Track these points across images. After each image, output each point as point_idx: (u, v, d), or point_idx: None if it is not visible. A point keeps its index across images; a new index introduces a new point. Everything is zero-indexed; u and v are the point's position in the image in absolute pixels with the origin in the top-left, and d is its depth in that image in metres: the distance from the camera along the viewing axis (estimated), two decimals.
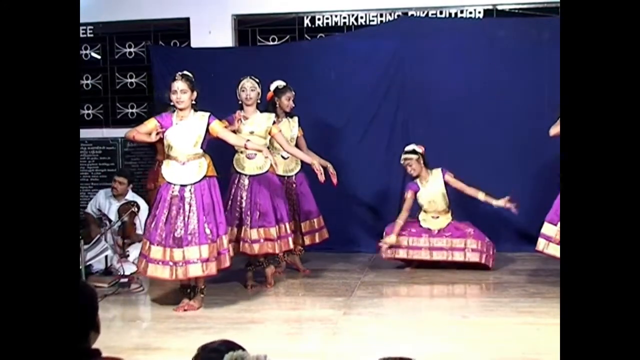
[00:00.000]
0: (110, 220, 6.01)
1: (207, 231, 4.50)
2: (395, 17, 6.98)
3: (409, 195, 5.78)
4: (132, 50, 7.59)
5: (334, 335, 4.11)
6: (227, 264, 4.63)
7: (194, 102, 4.57)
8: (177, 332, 4.19)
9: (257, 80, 5.21)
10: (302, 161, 5.52)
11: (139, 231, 5.88)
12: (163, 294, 5.05)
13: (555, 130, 4.75)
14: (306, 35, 7.27)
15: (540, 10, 6.79)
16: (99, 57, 7.65)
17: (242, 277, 5.32)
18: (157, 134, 4.52)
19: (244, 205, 5.13)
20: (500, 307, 4.63)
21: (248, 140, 4.76)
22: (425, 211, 5.86)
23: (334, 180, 5.43)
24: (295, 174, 5.68)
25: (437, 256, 5.73)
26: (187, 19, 7.30)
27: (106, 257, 5.68)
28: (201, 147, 4.60)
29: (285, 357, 3.60)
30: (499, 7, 6.93)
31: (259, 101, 5.24)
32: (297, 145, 5.58)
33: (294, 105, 5.60)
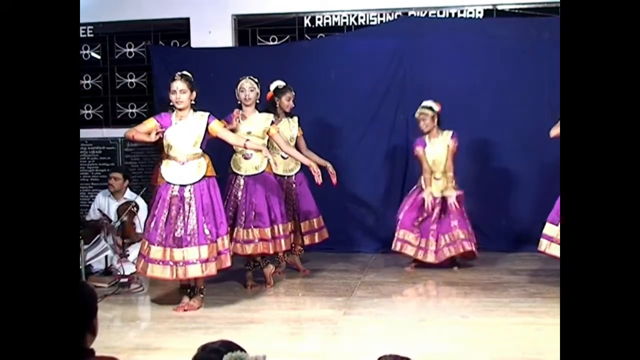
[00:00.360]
0: (110, 220, 6.01)
1: (206, 231, 4.50)
2: (395, 17, 6.97)
3: (420, 152, 5.75)
4: (132, 50, 7.58)
5: (334, 335, 4.11)
6: (228, 264, 4.63)
7: (193, 102, 4.58)
8: (177, 332, 4.19)
9: (256, 80, 5.21)
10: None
11: (139, 230, 5.88)
12: (163, 294, 5.05)
13: (555, 131, 4.75)
14: (306, 35, 7.26)
15: (540, 10, 6.78)
16: (99, 57, 7.65)
17: (242, 277, 5.32)
18: (157, 133, 4.52)
19: (239, 205, 5.14)
20: (500, 307, 4.63)
21: (247, 140, 4.77)
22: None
23: (334, 180, 5.44)
24: (295, 174, 5.68)
25: (442, 256, 5.70)
26: (187, 19, 7.30)
27: (106, 257, 5.67)
28: (200, 147, 4.60)
29: (285, 357, 3.60)
30: (499, 7, 6.92)
31: (258, 101, 5.24)
32: (296, 146, 5.58)
33: (294, 106, 5.60)
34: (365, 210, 6.83)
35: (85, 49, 7.63)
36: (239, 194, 5.16)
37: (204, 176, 4.57)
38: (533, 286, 5.13)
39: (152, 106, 7.20)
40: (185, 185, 4.55)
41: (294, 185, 5.68)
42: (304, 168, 5.49)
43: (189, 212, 4.50)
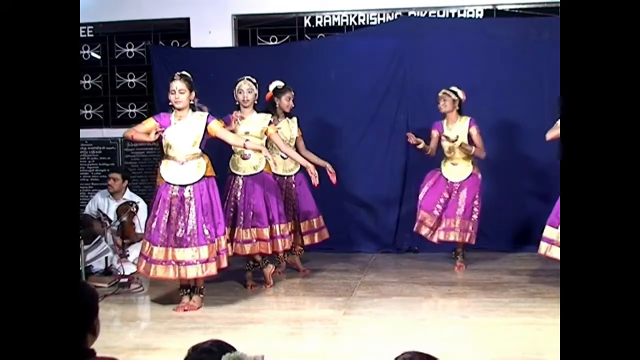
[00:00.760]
0: (110, 220, 6.01)
1: (206, 232, 4.50)
2: (395, 17, 6.98)
3: (435, 134, 5.80)
4: (132, 50, 7.58)
5: (334, 335, 4.11)
6: (224, 264, 4.63)
7: (192, 102, 4.58)
8: (177, 332, 4.19)
9: (254, 81, 5.21)
10: None
11: (138, 231, 5.88)
12: (163, 294, 5.05)
13: (551, 134, 4.74)
14: (306, 35, 7.26)
15: (540, 10, 6.78)
16: (99, 57, 7.65)
17: (242, 277, 5.32)
18: (156, 133, 4.52)
19: (238, 205, 5.15)
20: (500, 307, 4.63)
21: (247, 140, 4.77)
22: (445, 156, 5.85)
23: (333, 180, 5.44)
24: (295, 174, 5.68)
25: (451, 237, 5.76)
26: (187, 19, 7.30)
27: (106, 257, 5.68)
28: (200, 147, 4.60)
29: (285, 357, 3.60)
30: (499, 7, 6.92)
31: (256, 102, 5.24)
32: (295, 146, 5.58)
33: (293, 106, 5.60)
34: (365, 210, 6.82)
35: (85, 49, 7.63)
36: (238, 194, 5.17)
37: (204, 176, 4.57)
38: (533, 286, 5.14)
39: (152, 106, 7.19)
40: (184, 186, 4.55)
41: (293, 185, 5.68)
42: (304, 168, 5.49)
43: (189, 213, 4.51)
